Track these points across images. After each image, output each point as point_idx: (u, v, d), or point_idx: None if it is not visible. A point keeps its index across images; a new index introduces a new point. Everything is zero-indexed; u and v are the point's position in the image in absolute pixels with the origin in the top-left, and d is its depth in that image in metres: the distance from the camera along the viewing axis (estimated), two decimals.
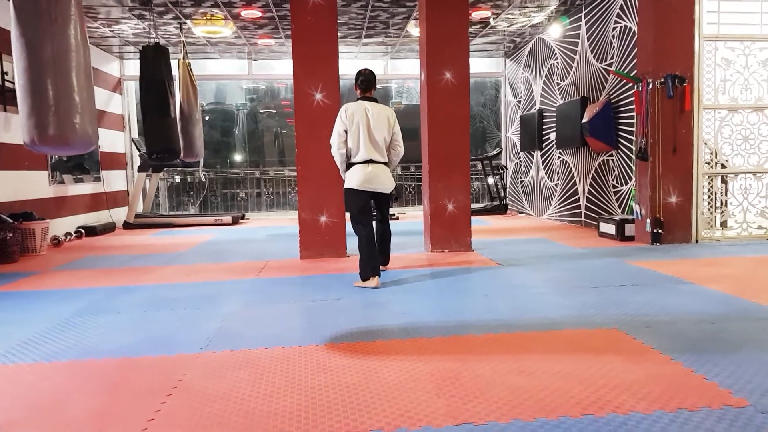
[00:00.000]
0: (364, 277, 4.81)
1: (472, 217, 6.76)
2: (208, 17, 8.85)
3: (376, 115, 4.96)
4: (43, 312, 4.19)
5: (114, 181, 11.05)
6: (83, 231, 9.19)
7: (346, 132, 4.95)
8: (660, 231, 6.52)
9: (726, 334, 3.15)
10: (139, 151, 10.82)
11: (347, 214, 5.31)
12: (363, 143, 4.91)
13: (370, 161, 4.91)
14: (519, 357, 2.89)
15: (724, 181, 6.84)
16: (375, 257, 4.87)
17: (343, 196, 5.47)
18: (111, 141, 11.01)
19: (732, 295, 4.06)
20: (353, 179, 4.93)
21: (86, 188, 9.93)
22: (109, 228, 9.89)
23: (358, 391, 2.52)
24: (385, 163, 5.04)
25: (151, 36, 8.79)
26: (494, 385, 2.54)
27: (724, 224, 6.95)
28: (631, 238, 6.90)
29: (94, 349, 3.26)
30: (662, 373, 2.60)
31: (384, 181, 4.98)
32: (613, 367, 2.69)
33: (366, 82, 5.05)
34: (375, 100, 5.08)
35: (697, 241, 6.64)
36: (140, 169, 10.76)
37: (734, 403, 2.26)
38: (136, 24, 9.04)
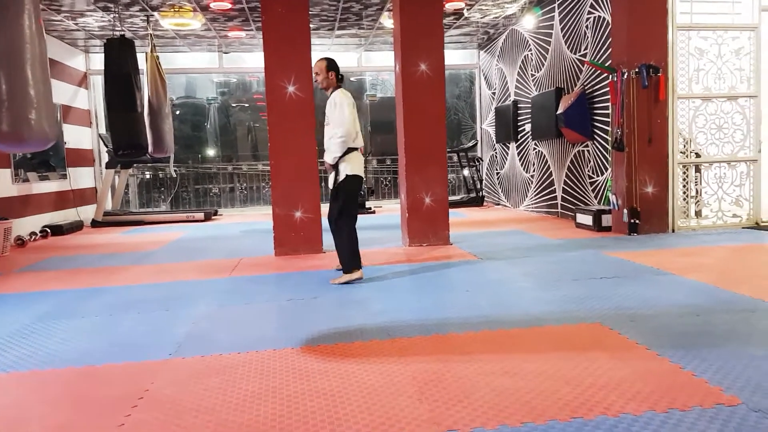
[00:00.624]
0: (355, 268, 4.70)
1: (448, 210, 6.67)
2: (176, 9, 8.60)
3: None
4: (2, 317, 3.99)
5: (81, 178, 10.73)
6: (49, 230, 8.90)
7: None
8: (637, 221, 6.50)
9: (711, 327, 3.09)
10: (106, 147, 10.52)
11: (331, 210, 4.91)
12: (359, 129, 4.88)
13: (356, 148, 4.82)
14: (502, 356, 2.79)
15: (698, 170, 6.84)
16: (355, 248, 4.78)
17: (318, 190, 5.29)
18: (77, 137, 10.68)
19: (713, 285, 4.03)
20: (357, 165, 4.80)
21: (52, 186, 9.62)
22: (76, 227, 9.60)
23: (336, 397, 2.41)
24: None
25: (117, 29, 8.52)
26: (478, 387, 2.44)
27: (698, 213, 6.96)
28: (608, 229, 6.88)
29: (56, 358, 3.08)
30: (650, 371, 2.52)
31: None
32: (599, 365, 2.61)
33: (338, 71, 5.02)
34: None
35: (673, 231, 6.64)
36: (108, 166, 10.46)
37: (726, 402, 2.19)
38: (101, 16, 8.75)
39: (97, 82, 11.47)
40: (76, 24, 9.10)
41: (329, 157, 4.81)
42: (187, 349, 3.12)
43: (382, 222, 9.09)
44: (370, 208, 11.04)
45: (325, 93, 5.02)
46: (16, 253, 7.29)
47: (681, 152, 6.68)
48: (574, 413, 2.15)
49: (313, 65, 5.01)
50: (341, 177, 4.74)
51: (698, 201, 6.89)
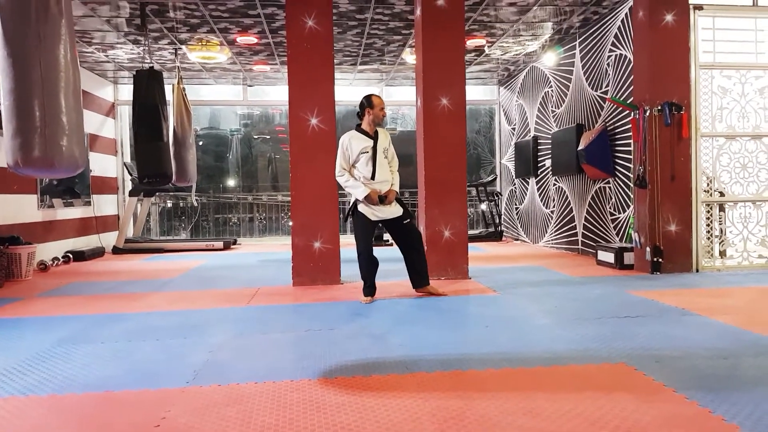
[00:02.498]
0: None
1: (468, 245, 6.62)
2: (204, 43, 8.80)
3: None
4: (24, 341, 4.01)
5: (105, 205, 10.88)
6: (71, 256, 8.99)
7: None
8: (660, 260, 6.41)
9: (740, 371, 3.01)
10: (131, 175, 10.68)
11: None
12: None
13: None
14: (525, 395, 2.73)
15: (722, 209, 6.75)
16: (410, 273, 5.51)
17: (337, 221, 5.96)
18: (103, 165, 10.87)
19: (741, 328, 3.92)
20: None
21: (76, 212, 9.76)
22: (98, 253, 9.70)
23: None
24: None
25: (146, 61, 8.72)
26: (500, 426, 2.38)
27: (723, 253, 6.85)
28: (630, 267, 6.78)
29: (75, 382, 3.08)
30: (678, 414, 2.45)
31: None
32: (624, 407, 2.54)
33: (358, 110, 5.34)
34: (360, 128, 5.30)
35: (697, 271, 6.52)
36: (131, 194, 10.60)
37: None
38: (131, 49, 8.98)
39: (124, 112, 11.71)
40: (107, 56, 9.34)
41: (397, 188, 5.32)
42: (205, 378, 3.09)
43: (399, 255, 9.04)
44: (387, 241, 11.02)
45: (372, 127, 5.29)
46: (39, 277, 7.36)
47: (705, 191, 6.61)
48: None
49: (376, 100, 5.24)
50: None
51: (722, 241, 6.78)
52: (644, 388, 2.78)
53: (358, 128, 5.27)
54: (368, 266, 5.26)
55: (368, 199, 5.10)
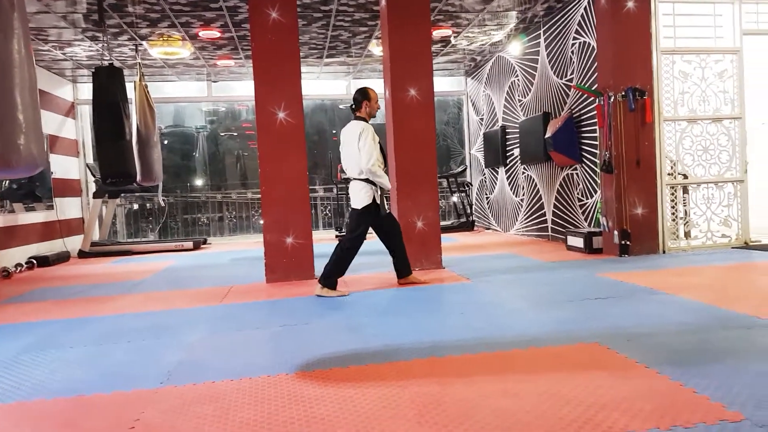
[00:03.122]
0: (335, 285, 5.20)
1: (441, 235, 6.65)
2: (165, 38, 8.64)
3: (345, 134, 5.32)
4: None
5: (68, 208, 10.64)
6: (35, 261, 8.78)
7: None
8: (628, 242, 6.52)
9: (709, 345, 3.07)
10: (94, 176, 10.45)
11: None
12: (343, 163, 5.35)
13: (352, 179, 5.26)
14: (501, 377, 2.75)
15: (686, 191, 6.89)
16: (395, 261, 5.58)
17: (309, 216, 6.02)
18: (64, 167, 10.61)
19: (707, 303, 4.01)
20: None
21: (38, 217, 9.52)
22: (63, 258, 9.48)
23: (333, 423, 2.35)
24: (361, 179, 5.19)
25: (105, 58, 8.53)
26: (479, 409, 2.39)
27: (688, 234, 6.99)
28: (599, 251, 6.89)
29: (44, 388, 3.00)
30: (651, 388, 2.49)
31: (352, 197, 5.30)
32: (600, 384, 2.57)
33: (353, 102, 5.37)
34: (361, 119, 5.31)
35: (664, 252, 6.65)
36: (95, 196, 10.37)
37: (729, 417, 2.15)
38: (89, 46, 8.77)
39: (85, 111, 11.44)
40: (64, 54, 9.11)
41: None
42: (179, 378, 3.04)
43: (373, 248, 9.03)
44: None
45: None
46: (1, 285, 7.16)
47: (669, 174, 6.74)
48: None
49: (373, 93, 5.36)
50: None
51: (687, 222, 6.92)
52: (618, 366, 2.82)
53: (363, 120, 5.30)
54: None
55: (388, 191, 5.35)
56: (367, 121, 5.29)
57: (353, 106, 5.34)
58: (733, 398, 2.34)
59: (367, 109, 5.29)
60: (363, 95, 5.29)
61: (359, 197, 5.20)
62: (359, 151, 5.11)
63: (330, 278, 5.20)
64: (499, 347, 3.27)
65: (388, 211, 5.37)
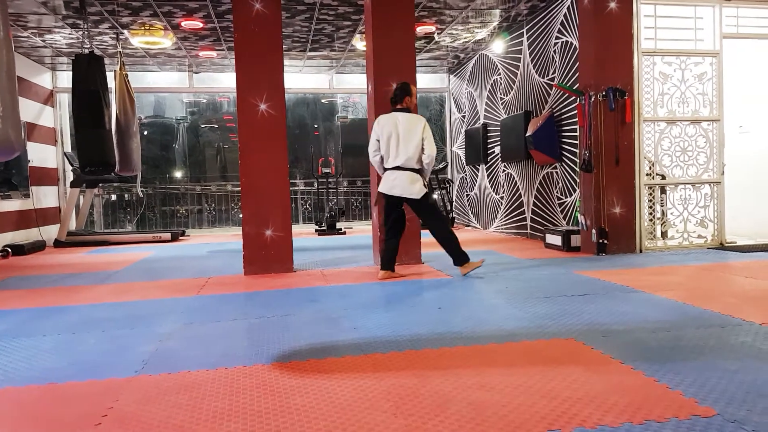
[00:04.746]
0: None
1: (421, 231, 6.66)
2: (147, 27, 8.54)
3: (406, 125, 5.38)
4: None
5: (44, 197, 10.48)
6: (10, 250, 8.64)
7: (378, 141, 5.48)
8: (605, 241, 6.58)
9: (683, 342, 3.11)
10: (72, 165, 10.31)
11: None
12: (392, 151, 5.41)
13: (397, 168, 5.38)
14: (478, 371, 2.76)
15: (664, 191, 6.97)
16: (385, 252, 5.64)
17: (289, 209, 5.98)
18: (42, 155, 10.46)
19: (682, 302, 4.07)
20: (382, 184, 5.50)
21: (14, 205, 9.37)
22: (38, 247, 9.34)
23: (309, 413, 2.34)
24: (414, 170, 5.40)
25: (86, 46, 8.40)
26: (454, 401, 2.40)
27: (664, 234, 7.08)
28: (577, 249, 6.94)
29: (16, 376, 2.95)
30: (625, 384, 2.52)
31: (403, 186, 5.38)
32: (575, 379, 2.60)
33: (394, 95, 5.54)
34: (407, 110, 5.49)
35: (641, 251, 6.73)
36: (73, 185, 10.23)
37: (702, 413, 2.19)
38: (69, 33, 8.63)
39: (64, 100, 11.28)
40: (43, 41, 8.96)
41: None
42: (154, 367, 3.02)
43: (353, 242, 9.05)
44: (340, 229, 11.00)
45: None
46: None
47: (647, 174, 6.81)
48: (551, 426, 2.13)
49: (414, 89, 5.64)
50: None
51: (664, 222, 7.00)
52: (593, 361, 2.85)
53: (409, 111, 5.51)
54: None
55: None
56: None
57: (394, 99, 5.56)
58: (705, 394, 2.37)
59: (408, 103, 5.53)
60: (405, 91, 5.52)
61: (416, 187, 5.38)
62: (424, 140, 5.37)
63: (461, 256, 5.54)
64: (476, 341, 3.28)
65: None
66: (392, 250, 5.65)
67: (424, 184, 5.44)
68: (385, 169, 5.49)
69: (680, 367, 2.70)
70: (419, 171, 5.43)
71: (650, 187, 6.84)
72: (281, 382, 2.72)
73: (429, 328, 3.62)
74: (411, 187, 5.38)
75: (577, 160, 7.06)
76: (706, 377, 2.56)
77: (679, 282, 4.87)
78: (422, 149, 5.37)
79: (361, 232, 10.97)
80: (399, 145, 5.38)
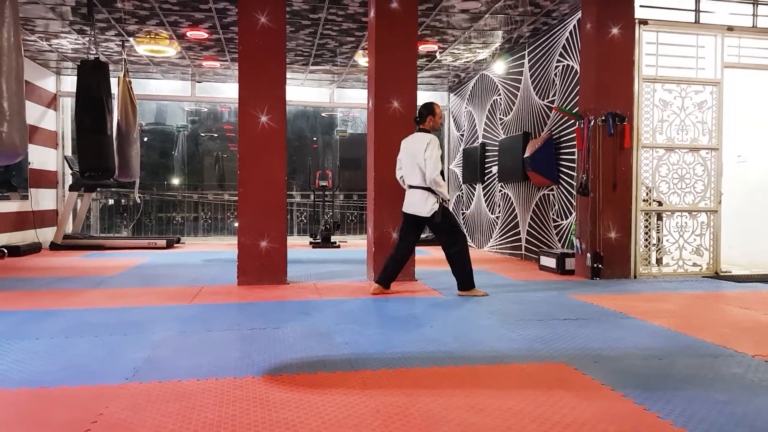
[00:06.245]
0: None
1: (414, 248, 6.67)
2: (153, 36, 8.60)
3: (413, 144, 5.50)
4: None
5: (43, 199, 10.48)
6: (6, 251, 8.63)
7: (400, 160, 5.71)
8: (599, 266, 6.60)
9: (674, 371, 3.12)
10: (71, 169, 10.33)
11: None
12: (406, 170, 5.59)
13: (411, 186, 5.53)
14: (468, 392, 2.76)
15: (660, 218, 7.00)
16: (385, 268, 5.70)
17: (285, 221, 6.12)
18: (42, 158, 10.47)
19: (675, 330, 4.08)
20: (404, 202, 5.66)
21: (12, 206, 9.37)
22: (34, 248, 9.33)
23: (297, 428, 2.34)
24: (427, 189, 5.42)
25: (92, 52, 8.45)
26: (444, 422, 2.40)
27: (659, 261, 7.10)
28: (571, 272, 6.96)
29: (7, 378, 2.95)
30: (615, 411, 2.52)
31: (416, 204, 5.48)
32: (565, 404, 2.60)
33: (418, 114, 5.66)
34: (425, 131, 5.57)
35: (635, 277, 6.75)
36: (72, 188, 10.24)
37: None
38: (76, 39, 8.69)
39: (67, 104, 11.32)
40: (50, 45, 9.02)
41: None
42: (145, 375, 3.01)
43: (347, 256, 9.05)
44: (335, 243, 11.00)
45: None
46: None
47: (644, 200, 6.85)
48: None
49: (438, 110, 5.68)
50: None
51: (660, 249, 7.03)
52: (583, 387, 2.85)
53: (428, 132, 5.56)
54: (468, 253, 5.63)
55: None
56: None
57: (417, 119, 5.64)
58: (695, 425, 2.38)
59: (431, 123, 5.58)
60: (429, 110, 5.58)
61: (427, 206, 5.42)
62: (425, 161, 5.36)
63: (467, 282, 5.57)
64: (466, 362, 3.29)
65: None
66: (392, 269, 5.67)
67: (439, 202, 5.42)
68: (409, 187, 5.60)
69: (670, 396, 2.71)
70: (430, 189, 5.43)
71: (647, 213, 6.87)
72: (271, 395, 2.72)
73: (420, 347, 3.63)
74: (423, 206, 5.43)
75: (574, 183, 7.09)
76: (696, 407, 2.57)
77: (673, 310, 4.89)
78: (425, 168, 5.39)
79: (356, 246, 10.97)
80: (409, 163, 5.51)
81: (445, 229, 5.54)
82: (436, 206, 5.40)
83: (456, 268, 5.58)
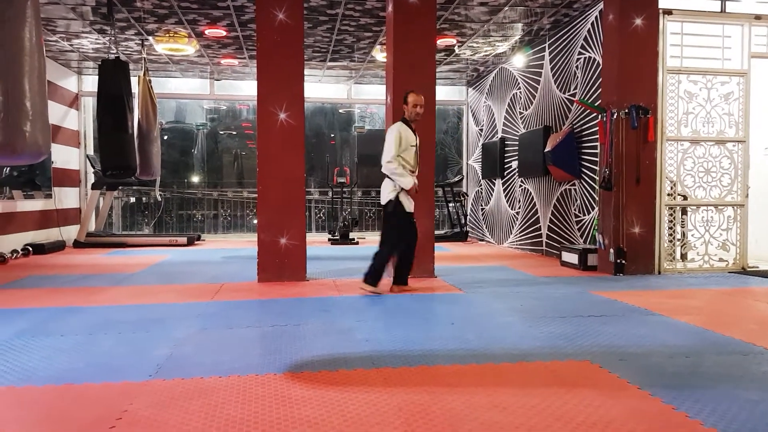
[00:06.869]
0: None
1: (434, 245, 6.64)
2: (171, 34, 8.63)
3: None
4: None
5: (66, 198, 10.61)
6: (31, 249, 8.75)
7: None
8: (623, 261, 6.50)
9: (702, 369, 3.05)
10: (93, 168, 10.44)
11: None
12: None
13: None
14: (491, 390, 2.73)
15: (685, 213, 6.89)
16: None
17: (304, 217, 6.16)
18: (65, 157, 10.59)
19: (702, 327, 4.00)
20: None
21: (36, 205, 9.49)
22: (58, 246, 9.45)
23: (320, 426, 2.33)
24: (386, 176, 5.39)
25: (112, 51, 8.51)
26: (467, 420, 2.37)
27: (684, 256, 6.98)
28: (593, 268, 6.87)
29: (34, 375, 2.98)
30: (642, 410, 2.47)
31: (381, 192, 5.48)
32: (590, 403, 2.56)
33: None
34: (404, 120, 5.49)
35: (659, 273, 6.64)
36: (94, 187, 10.35)
37: None
38: (96, 39, 8.76)
39: (88, 103, 11.43)
40: (71, 45, 9.10)
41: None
42: (168, 372, 3.02)
43: (366, 253, 8.99)
44: (353, 239, 10.99)
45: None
46: None
47: (668, 194, 6.73)
48: None
49: (416, 99, 5.47)
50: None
51: (684, 244, 6.91)
52: (609, 385, 2.80)
53: (405, 121, 5.47)
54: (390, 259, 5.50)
55: (411, 189, 5.36)
56: (406, 122, 5.47)
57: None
58: (726, 425, 2.32)
59: (406, 112, 5.50)
60: (402, 100, 5.54)
61: (384, 193, 5.41)
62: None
63: (373, 277, 5.44)
64: (489, 360, 3.25)
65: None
66: (396, 263, 5.58)
67: (396, 192, 5.34)
68: None
69: (699, 395, 2.65)
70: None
71: (671, 208, 6.76)
72: (293, 393, 2.71)
73: (441, 344, 3.60)
74: (384, 194, 5.44)
75: (597, 178, 7.00)
76: (727, 407, 2.51)
77: (699, 306, 4.80)
78: None
79: (374, 243, 10.90)
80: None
81: (389, 224, 5.46)
82: (392, 195, 5.34)
83: (374, 263, 5.49)
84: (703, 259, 6.85)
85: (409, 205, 5.42)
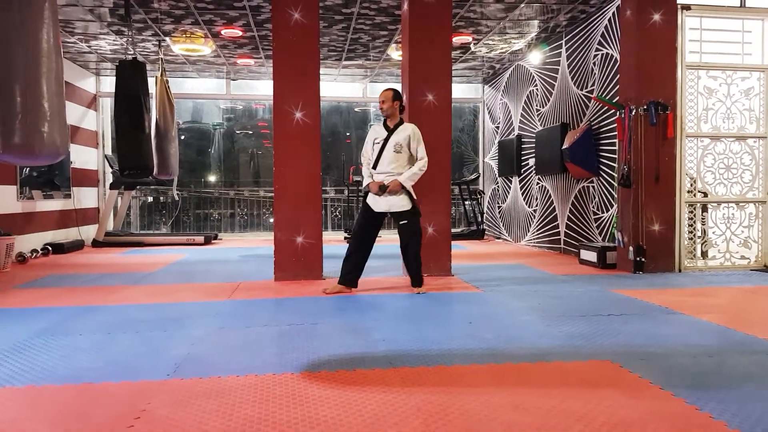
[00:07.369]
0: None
1: (451, 242, 6.60)
2: (188, 35, 8.68)
3: None
4: (1, 331, 3.90)
5: (85, 198, 10.71)
6: (50, 248, 8.84)
7: None
8: (643, 259, 6.43)
9: (726, 369, 3.00)
10: (111, 168, 10.53)
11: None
12: None
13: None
14: (510, 390, 2.70)
15: (705, 210, 6.79)
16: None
17: (320, 216, 6.17)
18: (84, 157, 10.70)
19: (725, 326, 3.93)
20: None
21: (56, 204, 9.59)
22: (77, 246, 9.54)
23: (337, 427, 2.31)
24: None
25: (129, 52, 8.58)
26: (486, 421, 2.34)
27: (705, 254, 6.89)
28: (612, 266, 6.80)
29: (53, 374, 3.00)
30: (665, 411, 2.43)
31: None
32: (611, 403, 2.52)
33: None
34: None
35: (680, 271, 6.56)
36: (112, 187, 10.45)
37: None
38: (114, 40, 8.83)
39: (106, 104, 11.53)
40: (89, 46, 9.18)
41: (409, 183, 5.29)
42: (186, 371, 3.03)
43: (382, 252, 8.99)
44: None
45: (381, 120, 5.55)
46: (17, 269, 7.21)
47: (688, 191, 6.64)
48: None
49: (380, 95, 5.50)
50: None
51: (705, 241, 6.82)
52: (630, 385, 2.76)
53: (384, 120, 5.52)
54: (348, 255, 5.44)
55: (367, 188, 5.37)
56: (386, 123, 5.49)
57: None
58: (752, 426, 2.27)
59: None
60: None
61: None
62: None
63: (345, 274, 5.43)
64: (507, 359, 3.22)
65: (404, 221, 5.40)
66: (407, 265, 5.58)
67: (365, 191, 5.54)
68: None
69: (723, 396, 2.60)
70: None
71: (691, 205, 6.67)
72: (310, 393, 2.70)
73: (459, 343, 3.57)
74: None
75: (615, 175, 6.92)
76: (752, 408, 2.46)
77: (721, 305, 4.73)
78: None
79: (390, 241, 10.90)
80: None
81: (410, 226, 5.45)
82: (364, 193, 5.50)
83: (346, 261, 5.50)
84: (725, 256, 6.76)
85: (375, 203, 5.36)
